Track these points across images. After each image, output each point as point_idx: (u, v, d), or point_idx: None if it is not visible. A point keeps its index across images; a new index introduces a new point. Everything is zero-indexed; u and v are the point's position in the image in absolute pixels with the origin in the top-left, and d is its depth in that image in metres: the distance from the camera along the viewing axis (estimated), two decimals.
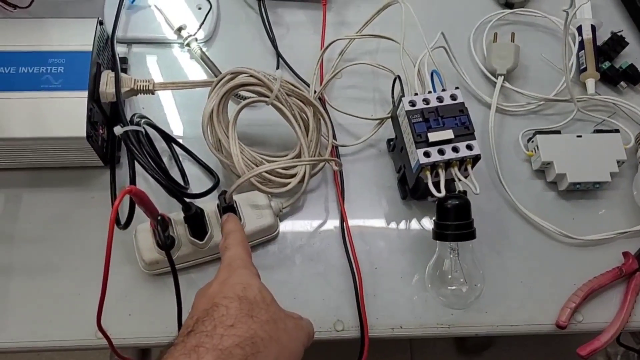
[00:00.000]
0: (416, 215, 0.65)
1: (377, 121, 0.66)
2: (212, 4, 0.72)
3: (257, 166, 0.60)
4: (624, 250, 0.63)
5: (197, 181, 0.64)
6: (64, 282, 0.59)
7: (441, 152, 0.55)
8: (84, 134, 0.55)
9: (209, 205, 0.58)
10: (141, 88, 0.61)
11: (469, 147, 0.56)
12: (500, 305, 0.60)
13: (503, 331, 0.60)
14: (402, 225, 0.64)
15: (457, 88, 0.58)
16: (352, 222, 0.63)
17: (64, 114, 0.56)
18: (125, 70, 0.67)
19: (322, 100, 0.68)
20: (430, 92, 0.59)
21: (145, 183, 0.61)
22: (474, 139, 0.56)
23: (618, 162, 0.65)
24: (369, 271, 0.61)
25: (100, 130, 0.61)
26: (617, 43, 0.73)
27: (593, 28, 0.73)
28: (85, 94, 0.56)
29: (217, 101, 0.58)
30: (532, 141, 0.67)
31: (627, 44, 0.73)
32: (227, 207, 0.55)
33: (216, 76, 0.66)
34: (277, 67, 0.70)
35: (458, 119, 0.57)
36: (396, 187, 0.66)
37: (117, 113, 0.59)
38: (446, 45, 0.69)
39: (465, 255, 0.56)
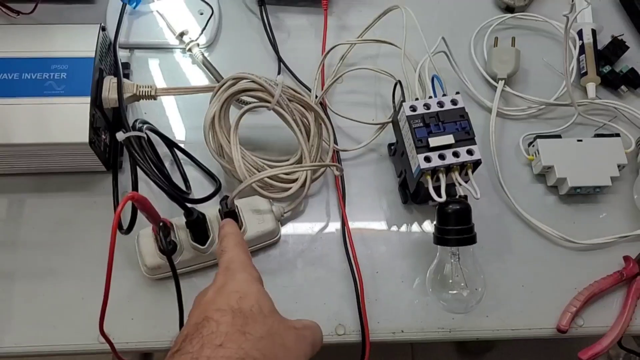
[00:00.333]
0: (417, 219, 0.65)
1: (378, 126, 0.66)
2: (213, 9, 0.72)
3: (258, 171, 0.60)
4: (625, 254, 0.63)
5: (199, 186, 0.64)
6: (67, 287, 0.59)
7: (442, 157, 0.56)
8: (87, 140, 0.56)
9: (210, 210, 0.58)
10: (143, 94, 0.61)
11: (470, 152, 0.56)
12: (501, 310, 0.61)
13: (504, 335, 0.60)
14: (403, 229, 0.64)
15: (457, 93, 0.59)
16: (353, 226, 0.63)
17: (67, 120, 0.56)
18: (127, 76, 0.68)
19: (323, 104, 0.69)
20: (431, 97, 0.59)
21: (147, 187, 0.61)
22: (475, 143, 0.56)
23: (619, 166, 0.65)
24: (370, 275, 0.61)
25: (103, 136, 0.61)
26: (617, 47, 0.73)
27: (594, 32, 0.73)
28: (88, 99, 0.57)
29: (218, 107, 0.58)
30: (533, 145, 0.67)
31: (628, 48, 0.74)
32: (229, 212, 0.55)
33: (218, 81, 0.67)
34: (279, 72, 0.71)
35: (459, 124, 0.57)
36: (397, 191, 0.66)
37: (120, 118, 0.59)
38: (447, 50, 0.69)
39: (466, 259, 0.56)
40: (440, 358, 1.33)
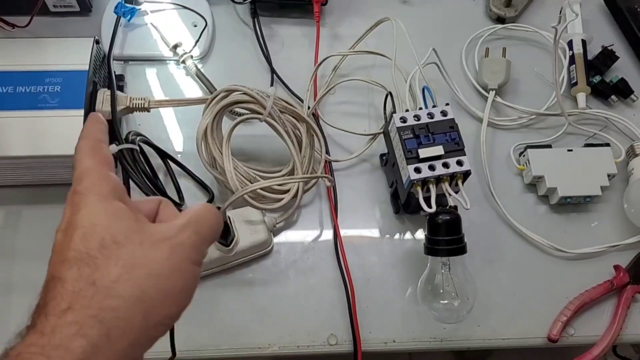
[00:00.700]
0: (409, 229, 0.65)
1: (370, 136, 0.67)
2: (207, 21, 0.73)
3: (251, 182, 0.60)
4: (615, 263, 0.63)
5: (193, 196, 0.65)
6: None
7: (432, 167, 0.56)
8: None
9: None
10: (137, 106, 0.62)
11: (459, 163, 0.56)
12: (493, 319, 0.61)
13: (495, 345, 0.60)
14: (395, 239, 0.65)
15: (447, 104, 0.59)
16: (345, 236, 0.64)
17: (61, 133, 0.57)
18: (121, 88, 0.68)
19: (315, 115, 0.69)
20: (421, 108, 0.60)
21: (140, 198, 0.62)
22: (464, 154, 0.57)
23: (609, 175, 0.65)
24: (362, 285, 0.61)
25: None
26: (607, 57, 0.74)
27: (584, 42, 0.74)
28: (82, 112, 0.57)
29: (211, 119, 0.59)
30: (524, 155, 0.67)
31: (618, 58, 0.74)
32: None
33: (211, 92, 0.68)
34: (272, 84, 0.71)
35: (448, 135, 0.58)
36: (389, 201, 0.66)
37: (113, 130, 0.60)
38: (438, 61, 0.70)
39: (456, 269, 0.57)
40: None
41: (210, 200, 0.62)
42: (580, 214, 0.67)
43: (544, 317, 0.61)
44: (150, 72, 0.72)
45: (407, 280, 0.62)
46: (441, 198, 0.57)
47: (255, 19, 0.75)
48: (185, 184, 0.65)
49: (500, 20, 0.78)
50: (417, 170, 0.56)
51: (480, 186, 0.67)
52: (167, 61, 0.73)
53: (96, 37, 0.62)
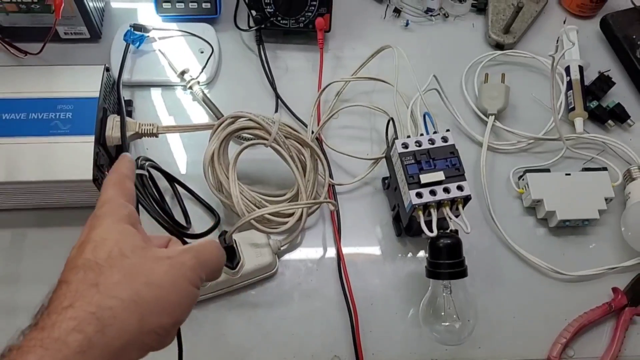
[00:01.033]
0: (411, 251, 0.67)
1: (373, 160, 0.69)
2: (214, 47, 0.75)
3: (256, 206, 0.62)
4: (613, 285, 0.65)
5: (199, 220, 0.66)
6: None
7: (433, 192, 0.58)
8: (91, 177, 0.58)
9: None
10: (145, 132, 0.63)
11: (460, 188, 0.58)
12: (493, 340, 0.62)
13: None
14: (397, 261, 0.66)
15: (448, 130, 0.61)
16: (348, 259, 0.65)
17: (72, 158, 0.58)
18: (130, 113, 0.70)
19: (319, 140, 0.71)
20: (422, 134, 0.62)
21: (149, 222, 0.63)
22: (465, 180, 0.58)
23: (606, 199, 0.67)
24: (365, 307, 0.63)
25: (106, 172, 0.63)
26: (604, 83, 0.76)
27: (581, 69, 0.76)
28: (92, 138, 0.59)
29: (217, 144, 0.61)
30: (523, 179, 0.69)
31: (614, 83, 0.76)
32: (227, 248, 0.57)
33: (217, 117, 0.69)
34: (276, 110, 0.73)
35: (449, 161, 0.59)
36: (391, 224, 0.68)
37: None
38: (439, 87, 0.72)
39: (457, 292, 0.58)
40: None
41: (217, 224, 0.63)
42: (578, 236, 0.68)
43: (544, 339, 0.62)
44: (158, 97, 0.74)
45: (409, 302, 0.64)
46: (442, 222, 0.59)
47: (261, 46, 0.77)
48: (192, 207, 0.67)
49: (499, 46, 0.80)
50: (419, 195, 0.57)
51: (481, 209, 0.69)
52: (175, 86, 0.75)
53: (106, 65, 0.64)
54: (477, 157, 0.71)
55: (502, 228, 0.67)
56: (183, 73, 0.73)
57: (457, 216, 0.59)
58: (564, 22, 0.80)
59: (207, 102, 0.72)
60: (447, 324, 0.58)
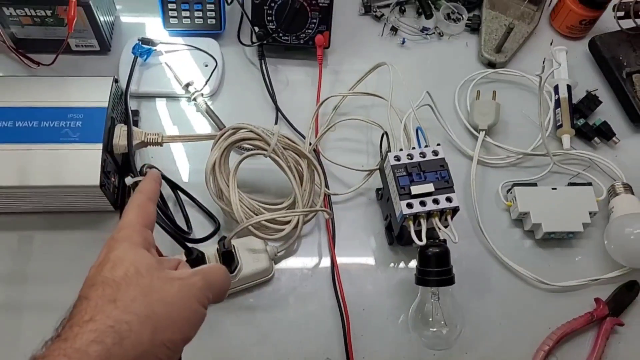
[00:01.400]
0: (402, 259, 0.69)
1: (367, 172, 0.72)
2: (217, 61, 0.78)
3: (255, 213, 0.65)
4: (596, 296, 0.67)
5: (200, 225, 0.69)
6: None
7: (423, 203, 0.61)
8: (98, 183, 0.61)
9: (210, 249, 0.63)
10: (151, 141, 0.67)
11: (449, 200, 0.61)
12: (480, 346, 0.65)
13: None
14: (389, 269, 0.69)
15: (438, 145, 0.64)
16: (342, 266, 0.68)
17: (80, 165, 0.61)
18: (136, 122, 0.73)
19: (316, 151, 0.74)
20: (414, 147, 0.65)
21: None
22: (453, 192, 0.61)
23: (590, 213, 0.69)
24: (357, 312, 0.65)
25: (112, 179, 0.66)
26: (591, 101, 0.79)
27: (569, 87, 0.79)
28: (100, 146, 0.62)
29: (219, 154, 0.64)
30: (511, 192, 0.72)
31: (601, 102, 0.79)
32: (226, 252, 0.60)
33: (220, 128, 0.73)
34: (276, 122, 0.76)
35: (439, 174, 0.62)
36: (384, 233, 0.70)
37: (129, 162, 0.65)
38: (432, 103, 0.75)
39: (445, 299, 0.61)
40: None
41: (217, 230, 0.66)
42: (563, 248, 0.71)
43: (529, 346, 0.65)
44: (164, 108, 0.77)
45: (400, 308, 0.66)
46: (432, 232, 0.62)
47: (263, 60, 0.80)
48: (194, 213, 0.70)
49: (491, 65, 0.84)
50: (409, 205, 0.60)
51: (470, 220, 0.72)
52: (180, 98, 0.78)
53: (115, 77, 0.68)
54: (468, 170, 0.74)
55: (491, 239, 0.70)
56: (188, 85, 0.76)
57: (446, 226, 0.62)
58: (551, 44, 0.83)
59: (210, 114, 0.75)
60: (434, 329, 0.61)
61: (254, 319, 0.65)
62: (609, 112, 0.81)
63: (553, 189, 0.71)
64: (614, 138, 0.78)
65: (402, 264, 0.69)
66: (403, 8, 0.88)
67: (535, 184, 0.72)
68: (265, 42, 0.79)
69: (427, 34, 0.86)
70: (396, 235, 0.67)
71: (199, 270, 0.42)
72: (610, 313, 0.66)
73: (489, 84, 0.83)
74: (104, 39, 0.77)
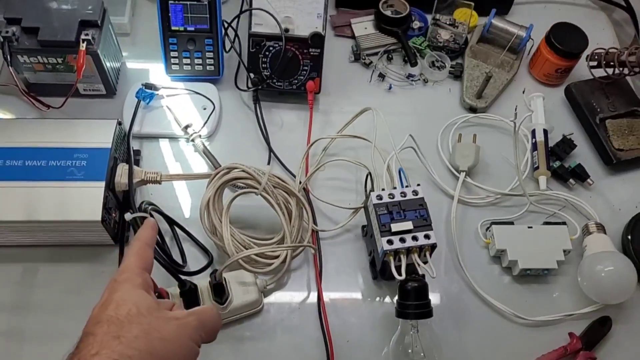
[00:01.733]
0: (386, 293, 0.73)
1: (353, 210, 0.76)
2: (215, 105, 0.84)
3: (245, 248, 0.69)
4: (570, 330, 0.70)
5: (194, 259, 0.73)
6: None
7: (402, 240, 0.65)
8: (99, 219, 0.65)
9: (202, 281, 0.67)
10: (150, 179, 0.71)
11: (427, 237, 0.65)
12: None
13: None
14: (374, 302, 0.72)
15: (418, 185, 0.68)
16: (328, 299, 0.71)
17: (84, 201, 0.66)
18: (137, 162, 0.78)
19: (306, 190, 0.78)
20: (395, 187, 0.69)
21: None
22: (431, 229, 0.65)
23: (565, 251, 0.73)
24: (341, 344, 0.68)
25: (113, 214, 0.71)
26: (567, 145, 0.84)
27: (545, 132, 0.84)
28: (103, 184, 0.67)
29: (213, 192, 0.68)
30: (489, 230, 0.76)
31: (576, 146, 0.84)
32: (217, 284, 0.64)
33: (216, 168, 0.77)
34: (269, 162, 0.81)
35: (418, 212, 0.66)
36: (368, 268, 0.74)
37: (129, 199, 0.69)
38: (415, 145, 0.79)
39: (424, 331, 0.64)
40: None
41: (209, 264, 0.70)
42: (540, 284, 0.74)
43: None
44: (164, 148, 0.82)
45: (383, 340, 0.69)
46: (412, 267, 0.65)
47: (257, 104, 0.85)
48: (189, 247, 0.74)
49: (472, 109, 0.89)
50: (390, 242, 0.64)
51: (451, 257, 0.75)
52: (179, 139, 0.83)
53: (119, 120, 0.73)
54: (449, 209, 0.78)
55: (470, 275, 0.73)
56: (187, 127, 0.81)
57: (425, 262, 0.66)
58: (523, 92, 0.89)
59: (207, 154, 0.80)
60: None
61: (243, 348, 0.68)
62: (583, 155, 0.86)
63: (529, 227, 0.75)
64: (588, 180, 0.82)
65: (386, 298, 0.73)
66: (390, 56, 0.93)
67: (512, 223, 0.76)
68: (260, 87, 0.85)
69: (412, 80, 0.92)
70: (379, 270, 0.71)
71: (194, 311, 0.46)
72: (583, 347, 0.69)
73: (470, 127, 0.88)
74: (110, 84, 0.83)
